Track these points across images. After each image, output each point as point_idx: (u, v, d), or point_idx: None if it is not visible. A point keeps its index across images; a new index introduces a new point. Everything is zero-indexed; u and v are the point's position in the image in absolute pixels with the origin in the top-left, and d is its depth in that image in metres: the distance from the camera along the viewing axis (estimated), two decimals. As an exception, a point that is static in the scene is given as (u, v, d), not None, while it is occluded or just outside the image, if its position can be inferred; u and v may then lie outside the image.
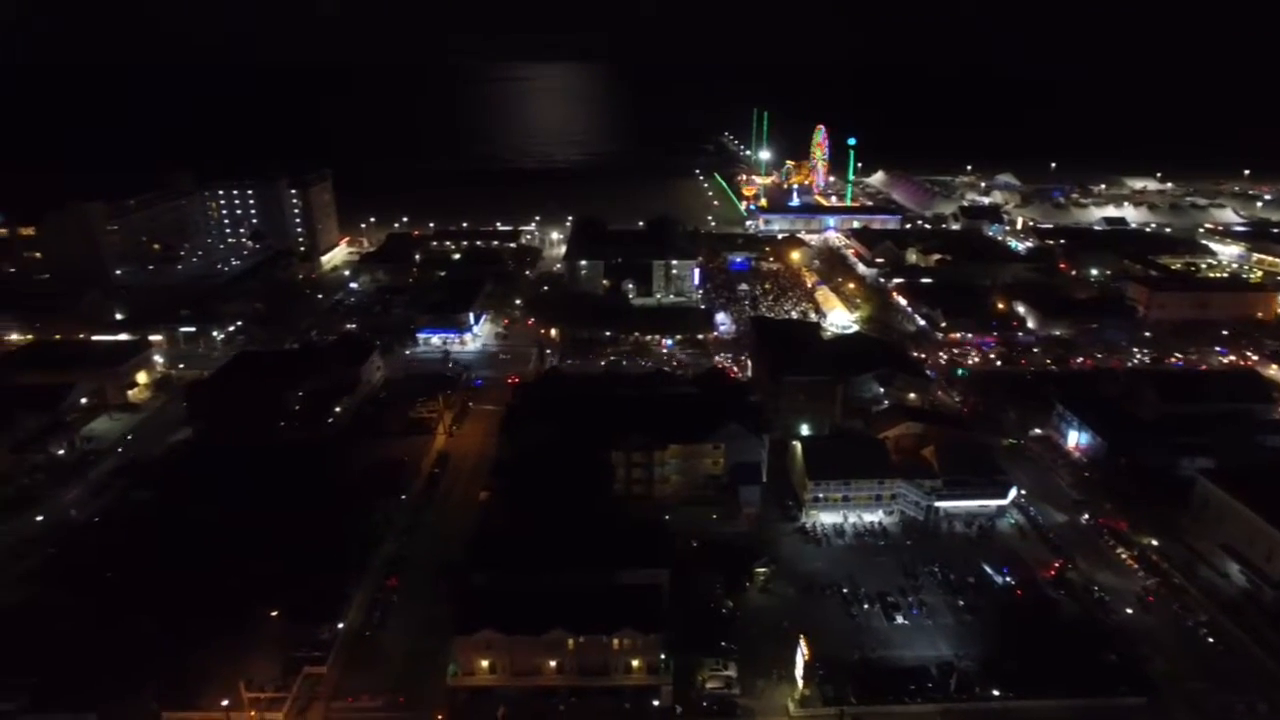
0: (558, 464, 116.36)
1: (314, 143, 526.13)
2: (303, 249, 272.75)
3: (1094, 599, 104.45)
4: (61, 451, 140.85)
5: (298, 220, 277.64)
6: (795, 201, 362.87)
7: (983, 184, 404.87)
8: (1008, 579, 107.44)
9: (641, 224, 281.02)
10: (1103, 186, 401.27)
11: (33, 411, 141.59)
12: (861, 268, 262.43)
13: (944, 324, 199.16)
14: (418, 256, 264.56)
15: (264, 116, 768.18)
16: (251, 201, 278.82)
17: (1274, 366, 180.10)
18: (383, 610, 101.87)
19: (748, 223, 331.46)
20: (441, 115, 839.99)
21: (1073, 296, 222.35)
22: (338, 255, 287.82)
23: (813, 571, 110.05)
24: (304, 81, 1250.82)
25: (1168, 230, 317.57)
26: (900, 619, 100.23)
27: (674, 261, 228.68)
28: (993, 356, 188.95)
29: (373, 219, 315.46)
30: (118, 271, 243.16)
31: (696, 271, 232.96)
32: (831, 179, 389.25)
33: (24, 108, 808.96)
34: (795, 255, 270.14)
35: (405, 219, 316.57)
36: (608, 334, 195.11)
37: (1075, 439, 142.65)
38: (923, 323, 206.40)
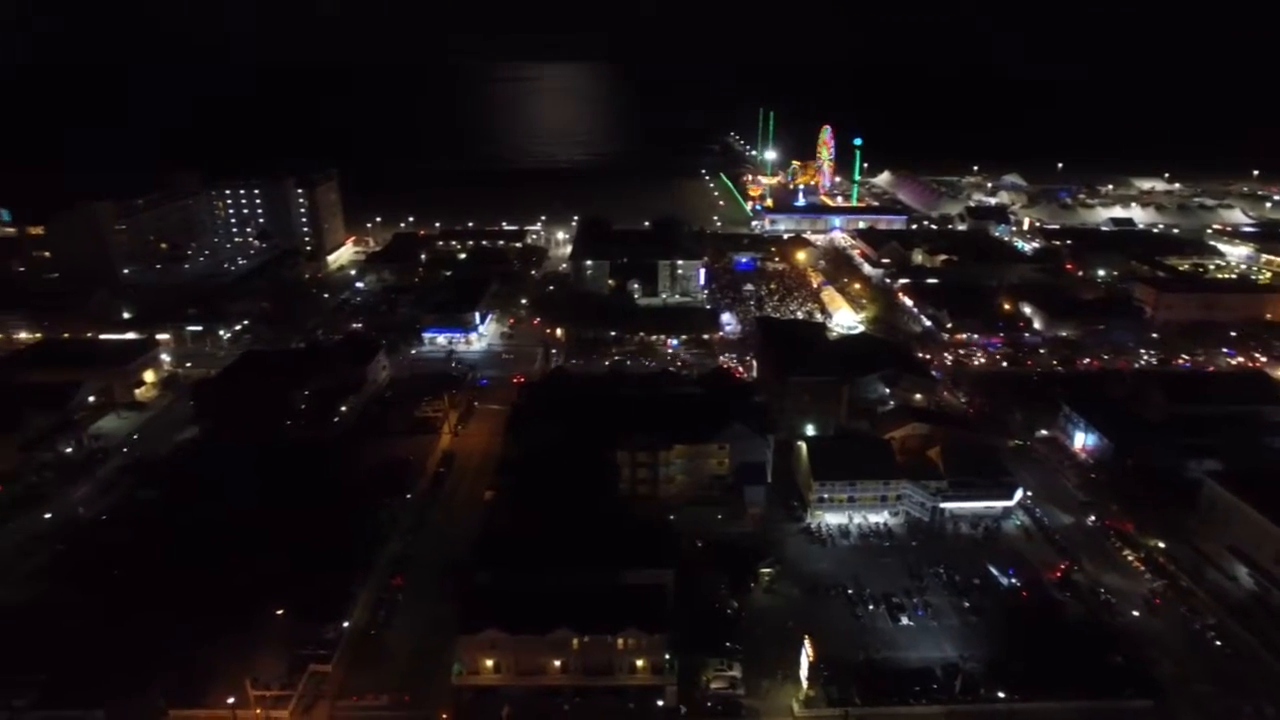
0: (563, 464, 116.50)
1: (317, 142, 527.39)
2: (309, 248, 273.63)
3: (1100, 601, 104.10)
4: (69, 450, 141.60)
5: (304, 220, 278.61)
6: (801, 202, 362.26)
7: (989, 184, 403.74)
8: (1013, 580, 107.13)
9: (647, 224, 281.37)
10: (1110, 187, 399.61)
11: (41, 410, 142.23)
12: (867, 268, 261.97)
13: (950, 325, 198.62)
14: (423, 256, 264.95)
15: (265, 116, 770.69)
16: (258, 201, 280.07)
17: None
18: (388, 609, 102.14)
19: (753, 223, 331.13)
20: (446, 115, 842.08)
21: (1079, 297, 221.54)
22: (344, 255, 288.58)
23: (818, 572, 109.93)
24: (305, 81, 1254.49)
25: (1175, 231, 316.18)
26: (905, 620, 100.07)
27: (679, 261, 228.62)
28: (999, 357, 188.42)
29: (379, 219, 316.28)
30: (125, 271, 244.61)
31: (702, 271, 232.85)
32: (837, 179, 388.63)
33: (24, 108, 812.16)
34: (801, 255, 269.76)
35: (411, 219, 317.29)
36: (613, 334, 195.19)
37: (1082, 440, 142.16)
38: (928, 323, 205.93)
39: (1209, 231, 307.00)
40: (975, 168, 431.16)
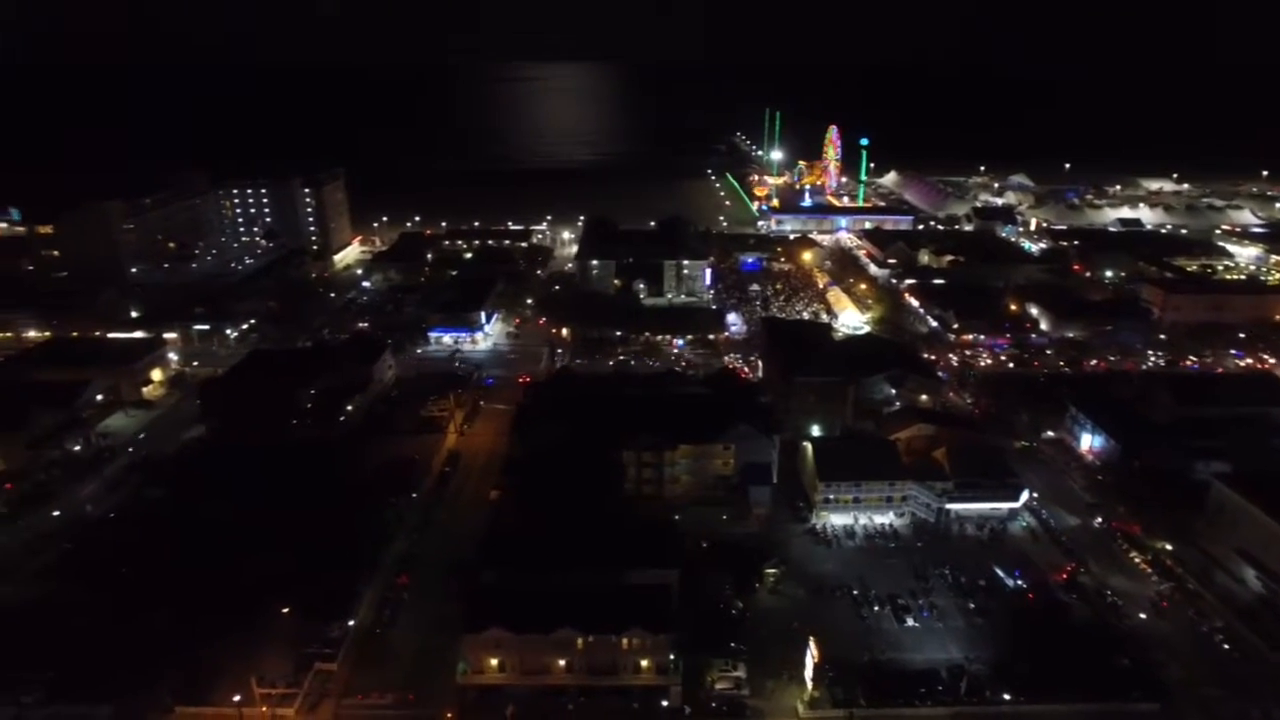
0: (568, 463, 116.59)
1: (319, 143, 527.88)
2: (316, 248, 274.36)
3: (1107, 603, 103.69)
4: (78, 448, 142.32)
5: (311, 219, 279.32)
6: (807, 202, 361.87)
7: (996, 185, 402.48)
8: (1019, 582, 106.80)
9: (653, 224, 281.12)
10: (1118, 188, 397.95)
11: (49, 408, 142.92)
12: (873, 268, 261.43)
13: (956, 325, 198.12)
14: (430, 256, 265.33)
15: (266, 117, 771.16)
16: (265, 201, 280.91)
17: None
18: (393, 608, 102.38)
19: (759, 223, 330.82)
20: (450, 116, 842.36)
21: (1087, 298, 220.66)
22: (350, 254, 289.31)
23: (823, 573, 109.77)
24: (306, 81, 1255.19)
25: (1184, 231, 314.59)
26: (910, 621, 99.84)
27: (685, 261, 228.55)
28: (1005, 358, 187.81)
29: (385, 218, 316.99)
30: (133, 270, 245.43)
31: (708, 271, 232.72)
32: (844, 179, 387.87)
33: (24, 108, 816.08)
34: (807, 256, 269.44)
35: (417, 218, 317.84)
36: (618, 334, 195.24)
37: (1088, 442, 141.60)
38: (935, 324, 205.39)
39: (1218, 232, 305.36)
40: (982, 168, 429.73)
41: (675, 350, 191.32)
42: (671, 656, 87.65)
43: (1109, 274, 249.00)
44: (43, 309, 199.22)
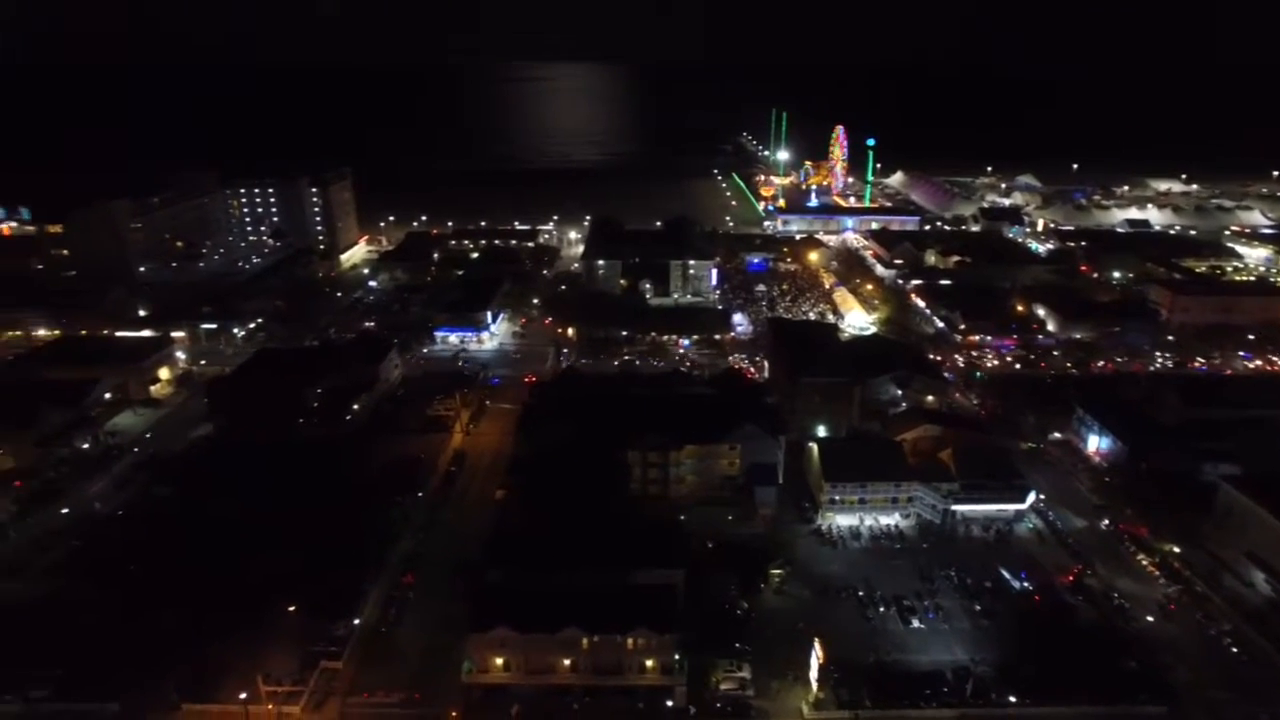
0: (574, 463, 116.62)
1: (322, 143, 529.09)
2: (322, 247, 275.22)
3: (1114, 605, 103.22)
4: (86, 446, 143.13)
5: (318, 219, 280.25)
6: (813, 202, 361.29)
7: (1003, 185, 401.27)
8: (1025, 584, 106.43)
9: (659, 224, 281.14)
10: (1126, 188, 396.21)
11: (58, 406, 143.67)
12: (880, 269, 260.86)
13: (963, 326, 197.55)
14: (436, 255, 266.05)
15: (270, 117, 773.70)
16: (273, 200, 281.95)
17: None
18: (399, 607, 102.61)
19: (765, 223, 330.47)
20: (453, 115, 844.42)
21: (1094, 299, 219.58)
22: (357, 254, 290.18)
23: (828, 574, 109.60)
24: (308, 82, 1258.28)
25: (1192, 232, 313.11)
26: (916, 623, 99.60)
27: (691, 262, 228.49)
28: (1012, 359, 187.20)
29: (392, 218, 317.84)
30: (141, 269, 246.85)
31: (714, 272, 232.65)
32: (850, 180, 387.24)
33: (24, 108, 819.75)
34: (813, 256, 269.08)
35: (424, 218, 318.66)
36: (624, 334, 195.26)
37: (1095, 443, 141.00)
38: (941, 325, 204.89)
39: (1227, 233, 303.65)
40: (989, 169, 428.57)
41: (681, 350, 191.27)
42: (676, 657, 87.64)
43: (1116, 275, 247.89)
44: (52, 308, 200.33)
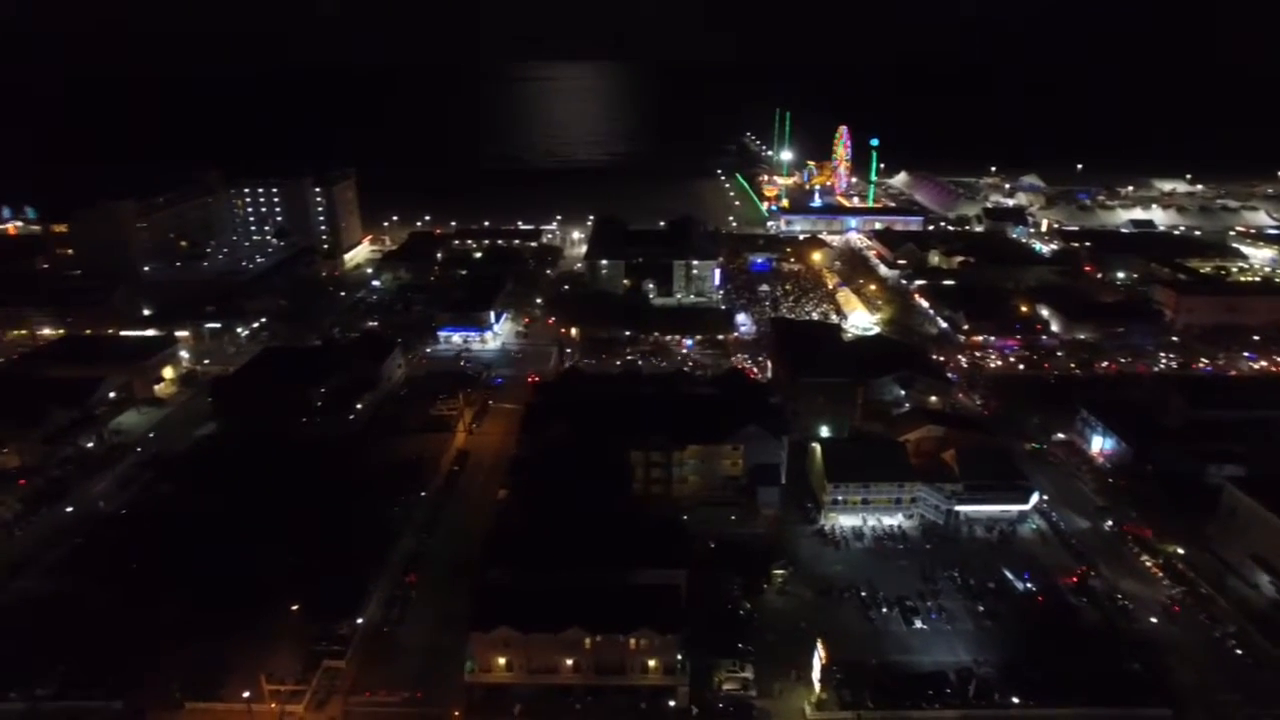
0: (576, 463, 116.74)
1: (324, 143, 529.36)
2: (326, 247, 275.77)
3: (1117, 607, 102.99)
4: (90, 444, 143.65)
5: (322, 218, 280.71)
6: (817, 202, 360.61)
7: (1007, 186, 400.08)
8: (1028, 585, 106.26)
9: (662, 224, 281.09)
10: (1130, 189, 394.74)
11: (63, 405, 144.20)
12: (883, 269, 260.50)
13: (966, 327, 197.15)
14: (439, 255, 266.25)
15: (272, 117, 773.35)
16: (277, 200, 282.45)
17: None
18: (401, 606, 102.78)
19: (769, 223, 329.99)
20: (455, 115, 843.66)
21: (1098, 300, 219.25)
22: (360, 253, 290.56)
23: (831, 574, 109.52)
24: (307, 82, 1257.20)
25: (1197, 233, 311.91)
26: (919, 623, 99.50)
27: (695, 262, 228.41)
28: (1015, 360, 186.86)
29: (395, 218, 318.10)
30: (146, 268, 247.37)
31: (717, 272, 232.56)
32: (854, 180, 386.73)
33: (25, 108, 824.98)
34: (816, 256, 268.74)
35: (427, 218, 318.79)
36: (627, 334, 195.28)
37: (1099, 444, 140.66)
38: (945, 325, 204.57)
39: (1232, 234, 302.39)
40: (993, 169, 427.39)
41: (684, 350, 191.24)
42: (679, 657, 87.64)
43: (1121, 275, 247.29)
44: (57, 307, 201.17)
